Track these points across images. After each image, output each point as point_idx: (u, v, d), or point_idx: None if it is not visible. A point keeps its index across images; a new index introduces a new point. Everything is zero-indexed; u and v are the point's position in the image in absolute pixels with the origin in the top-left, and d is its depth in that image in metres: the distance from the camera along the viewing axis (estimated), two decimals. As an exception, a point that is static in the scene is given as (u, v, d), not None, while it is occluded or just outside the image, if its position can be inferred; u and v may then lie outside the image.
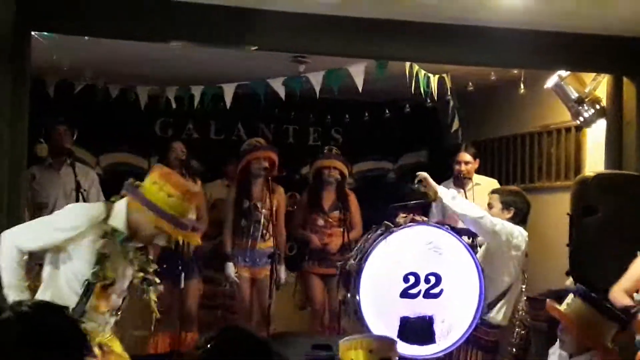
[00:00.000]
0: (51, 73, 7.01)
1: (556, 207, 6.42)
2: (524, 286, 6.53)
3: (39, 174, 6.27)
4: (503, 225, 5.14)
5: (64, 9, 5.03)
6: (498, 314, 5.26)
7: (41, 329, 1.58)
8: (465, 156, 6.69)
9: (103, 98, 7.39)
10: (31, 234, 3.71)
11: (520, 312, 6.53)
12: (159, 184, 3.65)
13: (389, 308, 5.07)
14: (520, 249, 5.19)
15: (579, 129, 6.75)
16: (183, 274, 6.31)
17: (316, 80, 6.41)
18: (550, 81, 6.38)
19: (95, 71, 7.06)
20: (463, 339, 5.16)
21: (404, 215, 5.84)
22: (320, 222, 6.76)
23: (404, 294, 5.09)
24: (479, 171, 6.87)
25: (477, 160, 6.77)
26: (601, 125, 6.23)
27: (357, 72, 6.22)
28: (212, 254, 6.99)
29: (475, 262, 5.16)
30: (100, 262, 3.63)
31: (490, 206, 5.33)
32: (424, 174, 5.36)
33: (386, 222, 5.26)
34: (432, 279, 5.14)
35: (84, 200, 5.96)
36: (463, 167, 6.64)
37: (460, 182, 6.59)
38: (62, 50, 5.92)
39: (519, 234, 5.19)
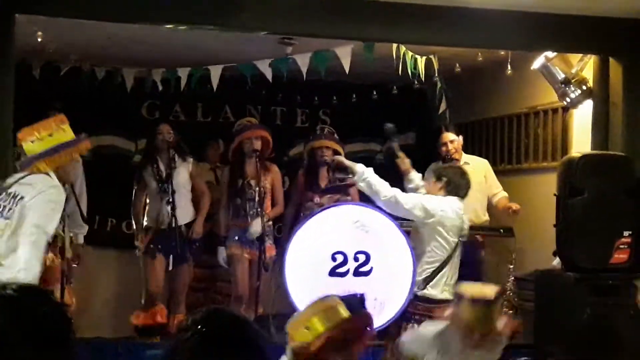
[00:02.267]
0: (37, 56, 6.96)
1: (543, 188, 6.45)
2: (511, 267, 6.59)
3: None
4: (415, 201, 5.14)
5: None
6: (435, 289, 5.25)
7: (28, 313, 1.57)
8: (449, 136, 6.72)
9: (89, 80, 7.34)
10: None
11: (507, 293, 6.58)
12: (28, 141, 4.37)
13: (318, 287, 4.97)
14: (446, 222, 5.19)
15: (565, 109, 6.77)
16: (171, 256, 6.34)
17: (303, 62, 6.38)
18: (537, 62, 6.38)
19: (81, 53, 7.01)
20: (397, 315, 5.13)
21: (330, 196, 5.90)
22: (317, 199, 6.79)
23: (333, 273, 5.09)
24: (468, 151, 6.89)
25: (461, 137, 6.83)
26: (588, 106, 6.25)
27: (344, 54, 6.20)
28: (205, 235, 7.03)
29: (404, 237, 5.15)
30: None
31: (425, 179, 5.37)
32: (337, 158, 5.46)
33: (309, 203, 5.29)
34: (362, 257, 5.13)
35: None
36: (449, 146, 6.67)
37: (450, 162, 6.61)
38: (47, 32, 5.88)
39: (447, 207, 5.19)
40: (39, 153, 4.36)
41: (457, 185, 5.31)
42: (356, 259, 5.11)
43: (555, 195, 5.39)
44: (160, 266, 6.51)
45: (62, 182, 4.44)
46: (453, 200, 5.25)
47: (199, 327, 1.80)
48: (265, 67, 6.59)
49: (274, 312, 6.40)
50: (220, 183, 6.86)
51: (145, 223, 6.63)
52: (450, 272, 5.28)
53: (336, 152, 6.75)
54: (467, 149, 7.21)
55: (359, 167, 5.23)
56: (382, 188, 5.14)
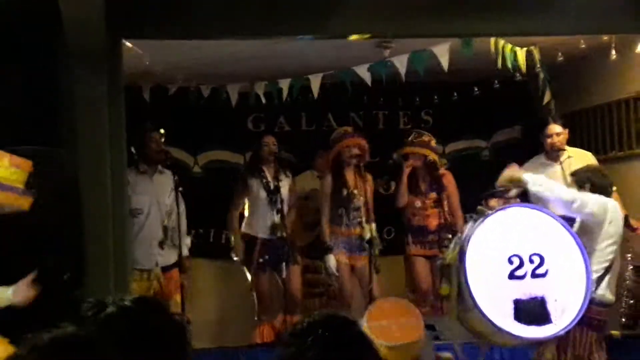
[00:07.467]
0: (146, 78, 7.21)
1: (658, 173, 6.24)
2: (629, 255, 6.40)
3: (132, 180, 6.15)
4: (595, 202, 5.02)
5: (152, 15, 5.17)
6: (606, 291, 5.12)
7: (145, 324, 1.64)
8: (555, 128, 6.58)
9: (196, 99, 7.56)
10: None
11: (627, 282, 6.39)
12: None
13: (500, 291, 5.04)
14: (618, 222, 5.06)
15: (677, 90, 6.54)
16: (284, 263, 6.46)
17: (401, 63, 6.40)
18: (643, 44, 6.20)
19: (186, 73, 7.22)
20: (579, 315, 5.03)
21: (496, 199, 5.82)
22: (418, 203, 6.81)
23: (512, 276, 5.06)
24: (571, 143, 6.74)
25: (567, 129, 6.67)
26: (700, 84, 6.03)
27: (442, 52, 6.18)
28: (313, 243, 7.11)
29: (575, 239, 5.05)
30: None
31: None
32: (504, 179, 5.30)
33: (479, 207, 5.25)
34: (536, 259, 5.07)
35: (184, 199, 6.14)
36: (555, 139, 6.54)
37: (554, 155, 6.50)
38: (153, 54, 6.09)
39: (613, 206, 5.06)
40: None
41: (604, 188, 5.19)
42: (531, 261, 5.08)
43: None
44: (273, 278, 6.65)
45: None
46: (612, 199, 5.16)
47: (319, 331, 1.78)
48: (364, 72, 6.64)
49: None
50: (320, 191, 6.96)
51: (255, 234, 6.77)
52: (617, 272, 5.19)
53: (425, 157, 6.74)
54: (575, 138, 7.05)
55: (528, 176, 5.17)
56: (564, 192, 5.09)
